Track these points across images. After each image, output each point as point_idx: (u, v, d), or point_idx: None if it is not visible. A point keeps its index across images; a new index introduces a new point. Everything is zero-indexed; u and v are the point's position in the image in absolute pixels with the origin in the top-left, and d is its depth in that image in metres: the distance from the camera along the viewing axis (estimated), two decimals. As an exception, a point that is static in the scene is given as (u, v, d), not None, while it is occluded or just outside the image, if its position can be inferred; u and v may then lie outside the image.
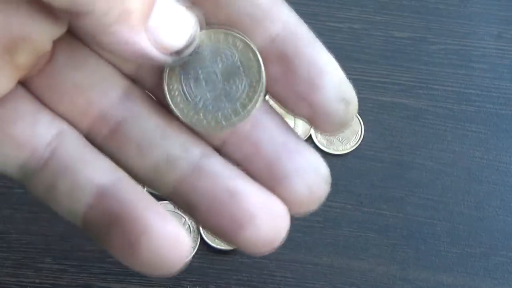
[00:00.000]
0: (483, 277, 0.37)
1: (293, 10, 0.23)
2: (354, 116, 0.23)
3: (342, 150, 0.39)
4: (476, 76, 0.41)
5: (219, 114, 0.23)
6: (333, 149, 0.39)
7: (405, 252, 0.37)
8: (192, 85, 0.23)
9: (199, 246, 0.37)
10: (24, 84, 0.23)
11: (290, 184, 0.22)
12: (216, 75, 0.23)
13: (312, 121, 0.23)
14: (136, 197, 0.22)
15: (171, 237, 0.21)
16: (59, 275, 0.37)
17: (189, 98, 0.23)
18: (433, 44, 0.42)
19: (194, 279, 0.36)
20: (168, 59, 0.22)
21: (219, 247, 0.36)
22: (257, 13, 0.22)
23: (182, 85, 0.23)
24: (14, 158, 0.22)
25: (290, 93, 0.22)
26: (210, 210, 0.22)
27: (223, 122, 0.23)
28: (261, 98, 0.23)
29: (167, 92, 0.23)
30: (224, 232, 0.22)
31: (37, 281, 0.36)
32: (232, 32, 0.23)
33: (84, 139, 0.23)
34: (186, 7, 0.22)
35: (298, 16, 0.23)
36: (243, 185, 0.22)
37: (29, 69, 0.22)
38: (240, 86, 0.23)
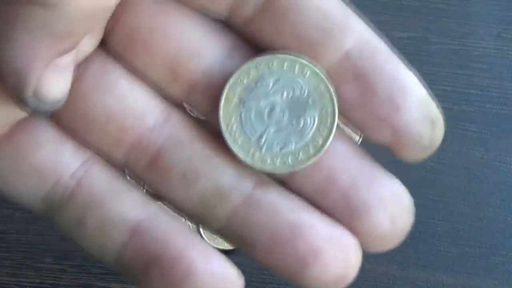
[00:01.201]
0: (483, 277, 0.37)
1: (363, 21, 0.21)
2: (441, 139, 0.20)
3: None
4: (476, 76, 0.41)
5: (285, 152, 0.20)
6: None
7: (405, 252, 0.37)
8: (252, 119, 0.20)
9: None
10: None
11: (370, 216, 0.20)
12: (281, 108, 0.20)
13: (393, 147, 0.20)
14: (175, 234, 0.20)
15: (219, 277, 0.19)
16: (59, 275, 0.37)
17: (249, 134, 0.20)
18: (433, 44, 0.42)
19: (194, 279, 0.36)
20: (31, 104, 0.18)
21: (219, 247, 0.36)
22: (327, 25, 0.20)
23: (241, 118, 0.20)
24: (37, 189, 0.21)
25: (369, 116, 0.20)
26: (269, 246, 0.20)
27: (290, 162, 0.20)
28: (333, 133, 0.20)
29: (222, 125, 0.20)
30: (287, 271, 0.19)
31: (37, 281, 0.36)
32: (298, 58, 0.20)
33: (113, 169, 0.21)
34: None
35: (369, 27, 0.21)
36: (305, 217, 0.20)
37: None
38: (309, 120, 0.20)
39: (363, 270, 0.37)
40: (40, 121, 0.21)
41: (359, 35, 0.20)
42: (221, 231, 0.20)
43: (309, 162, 0.20)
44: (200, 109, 0.21)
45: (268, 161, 0.20)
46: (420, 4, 0.43)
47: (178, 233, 0.20)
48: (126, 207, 0.20)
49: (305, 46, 0.20)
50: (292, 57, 0.20)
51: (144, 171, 0.21)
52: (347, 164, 0.20)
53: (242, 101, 0.20)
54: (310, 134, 0.20)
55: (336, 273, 0.19)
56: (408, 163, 0.21)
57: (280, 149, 0.20)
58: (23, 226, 0.37)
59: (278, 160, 0.20)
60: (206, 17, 0.20)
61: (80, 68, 0.20)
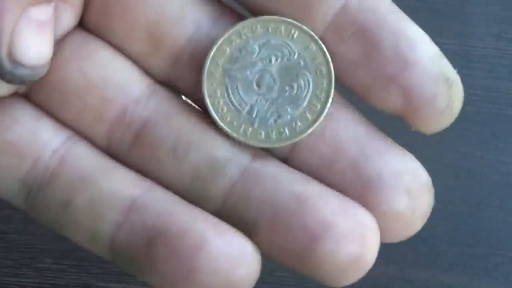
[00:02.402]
0: (483, 277, 0.37)
1: None
2: (461, 104, 0.18)
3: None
4: (476, 76, 0.41)
5: (281, 123, 0.18)
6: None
7: (405, 252, 0.37)
8: (240, 91, 0.18)
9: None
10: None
11: (385, 190, 0.17)
12: (271, 76, 0.18)
13: (405, 112, 0.18)
14: (179, 206, 0.17)
15: (235, 250, 0.17)
16: (59, 275, 0.37)
17: (239, 107, 0.18)
18: (433, 44, 0.42)
19: (194, 279, 0.36)
20: (6, 67, 0.16)
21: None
22: None
23: (228, 92, 0.18)
24: (13, 170, 0.18)
25: (374, 77, 0.17)
26: (273, 224, 0.17)
27: (287, 133, 0.18)
28: (331, 95, 0.18)
29: (208, 101, 0.18)
30: (294, 252, 0.17)
31: (37, 281, 0.36)
32: (283, 19, 0.18)
33: (96, 147, 0.19)
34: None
35: None
36: (312, 188, 0.17)
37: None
38: (303, 85, 0.18)
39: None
40: (16, 99, 0.19)
41: None
42: (219, 212, 0.18)
43: (309, 131, 0.18)
44: (186, 85, 0.19)
45: (263, 135, 0.18)
46: (420, 4, 0.43)
47: (182, 206, 0.17)
48: (119, 183, 0.18)
49: (298, 1, 0.18)
50: (276, 18, 0.18)
51: (129, 149, 0.18)
52: (354, 133, 0.18)
53: (226, 73, 0.18)
54: (306, 100, 0.18)
55: (351, 252, 0.17)
56: (426, 134, 0.18)
57: (275, 121, 0.18)
58: (23, 226, 0.37)
59: (274, 133, 0.18)
60: None
61: (59, 44, 0.18)
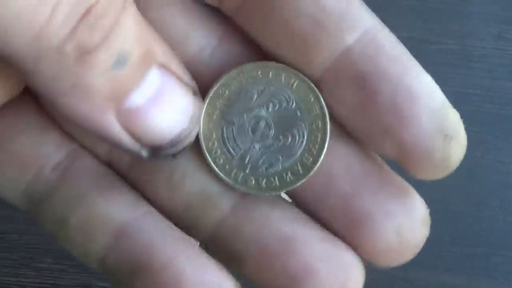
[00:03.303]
0: (483, 277, 0.37)
1: (374, 15, 0.18)
2: (460, 157, 0.18)
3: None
4: (476, 76, 0.41)
5: (272, 172, 0.18)
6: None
7: (405, 252, 0.37)
8: (235, 135, 0.18)
9: (199, 246, 0.37)
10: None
11: (372, 228, 0.17)
12: (267, 123, 0.18)
13: (401, 162, 0.18)
14: (165, 238, 0.17)
15: (212, 285, 0.17)
16: (59, 275, 0.37)
17: (232, 152, 0.18)
18: (433, 44, 0.42)
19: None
20: (144, 154, 0.16)
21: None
22: (323, 16, 0.17)
23: (223, 135, 0.18)
24: (16, 181, 0.18)
25: (370, 127, 0.17)
26: (259, 261, 0.17)
27: (277, 183, 0.18)
28: (325, 151, 0.18)
29: (203, 143, 0.18)
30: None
31: (37, 281, 0.36)
32: (284, 66, 0.18)
33: (100, 163, 0.19)
34: (187, 82, 0.16)
35: (381, 23, 0.18)
36: (299, 229, 0.17)
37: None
38: (297, 136, 0.18)
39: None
40: (25, 103, 0.19)
41: (363, 31, 0.17)
42: (208, 242, 0.18)
43: (298, 184, 0.18)
44: None
45: (253, 182, 0.18)
46: (420, 4, 0.43)
47: (168, 238, 0.18)
48: (113, 206, 0.18)
49: (297, 41, 0.17)
50: (278, 64, 0.18)
51: (128, 169, 0.19)
52: (348, 169, 0.18)
53: (223, 116, 0.18)
54: (299, 152, 0.18)
55: None
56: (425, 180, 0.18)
57: (266, 169, 0.18)
58: (23, 226, 0.37)
59: (263, 182, 0.18)
60: (195, 2, 0.18)
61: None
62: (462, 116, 0.45)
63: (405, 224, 0.18)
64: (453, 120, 0.17)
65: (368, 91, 0.17)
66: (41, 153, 0.18)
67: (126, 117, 0.15)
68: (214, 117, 0.18)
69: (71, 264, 0.37)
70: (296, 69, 0.18)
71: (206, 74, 0.18)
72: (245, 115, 0.18)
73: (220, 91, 0.18)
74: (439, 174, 0.18)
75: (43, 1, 0.14)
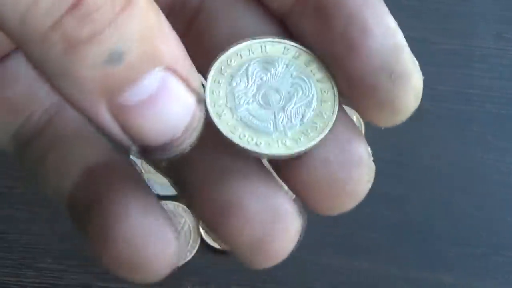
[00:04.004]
0: (483, 277, 0.37)
1: None
2: (410, 102, 0.17)
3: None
4: (476, 76, 0.41)
5: (306, 122, 0.18)
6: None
7: (405, 252, 0.37)
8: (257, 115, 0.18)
9: (199, 246, 0.37)
10: None
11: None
12: (272, 89, 0.18)
13: (351, 99, 0.18)
14: (126, 182, 0.18)
15: (151, 232, 0.17)
16: (59, 275, 0.37)
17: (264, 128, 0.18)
18: (433, 44, 0.42)
19: (194, 279, 0.36)
20: (134, 150, 0.16)
21: (219, 247, 0.36)
22: None
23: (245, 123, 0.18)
24: (7, 125, 0.19)
25: (324, 54, 0.18)
26: (197, 192, 0.18)
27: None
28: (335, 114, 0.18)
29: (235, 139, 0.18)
30: (210, 222, 0.18)
31: (37, 281, 0.36)
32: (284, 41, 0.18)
33: None
34: (194, 88, 0.16)
35: None
36: (242, 167, 0.18)
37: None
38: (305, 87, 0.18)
39: (363, 270, 0.37)
40: (19, 59, 0.19)
41: None
42: (167, 170, 0.19)
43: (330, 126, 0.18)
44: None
45: (302, 139, 0.18)
46: (420, 4, 0.43)
47: (131, 183, 0.18)
48: (89, 149, 0.18)
49: None
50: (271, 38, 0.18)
51: None
52: None
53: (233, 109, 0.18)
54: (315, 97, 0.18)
55: (256, 234, 0.17)
56: (379, 127, 0.18)
57: (301, 122, 0.18)
58: (23, 226, 0.37)
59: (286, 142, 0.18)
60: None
61: None
62: (462, 116, 0.45)
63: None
64: (405, 61, 0.17)
65: (325, 20, 0.17)
66: (33, 99, 0.19)
67: (118, 112, 0.15)
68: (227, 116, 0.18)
69: (71, 264, 0.37)
70: (267, 1, 0.18)
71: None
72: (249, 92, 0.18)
73: (222, 67, 0.18)
74: (387, 117, 0.17)
75: None
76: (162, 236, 0.17)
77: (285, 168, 0.18)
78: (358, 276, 0.37)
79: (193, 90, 0.16)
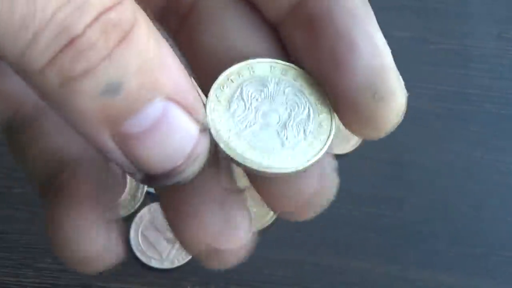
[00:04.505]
0: (483, 277, 0.37)
1: None
2: (392, 122, 0.18)
3: (342, 150, 0.39)
4: (476, 76, 0.41)
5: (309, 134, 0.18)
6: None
7: (405, 252, 0.37)
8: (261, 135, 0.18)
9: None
10: None
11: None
12: (271, 110, 0.18)
13: (336, 111, 0.18)
14: (86, 180, 0.19)
15: (91, 228, 0.18)
16: (59, 275, 0.37)
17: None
18: (433, 44, 0.42)
19: (194, 279, 0.36)
20: (138, 177, 0.17)
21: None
22: None
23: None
24: (1, 113, 0.20)
25: (313, 68, 0.18)
26: (167, 195, 0.19)
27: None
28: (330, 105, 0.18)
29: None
30: (170, 222, 0.19)
31: (37, 281, 0.36)
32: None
33: None
34: (197, 118, 0.16)
35: None
36: (212, 172, 0.18)
37: None
38: (301, 104, 0.18)
39: (363, 270, 0.37)
40: None
41: None
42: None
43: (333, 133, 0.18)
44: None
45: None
46: (420, 4, 0.43)
47: (87, 181, 0.18)
48: (70, 143, 0.19)
49: None
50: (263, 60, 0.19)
51: None
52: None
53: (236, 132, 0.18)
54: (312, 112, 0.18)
55: (213, 237, 0.18)
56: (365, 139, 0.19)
57: (305, 137, 0.18)
58: (23, 226, 0.37)
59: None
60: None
61: None
62: (462, 116, 0.45)
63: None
64: (390, 83, 0.17)
65: (315, 34, 0.18)
66: (24, 92, 0.19)
67: (121, 141, 0.16)
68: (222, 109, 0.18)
69: (71, 264, 0.37)
70: (262, 9, 0.19)
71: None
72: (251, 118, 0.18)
73: (222, 87, 0.18)
74: (367, 132, 0.18)
75: (24, 27, 0.15)
76: (97, 238, 0.18)
77: (258, 182, 0.19)
78: (358, 276, 0.37)
79: (196, 120, 0.16)
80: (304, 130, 0.18)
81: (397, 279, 0.37)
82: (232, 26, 0.19)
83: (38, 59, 0.15)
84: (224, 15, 0.19)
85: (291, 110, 0.18)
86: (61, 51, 0.15)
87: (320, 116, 0.18)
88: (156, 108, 0.15)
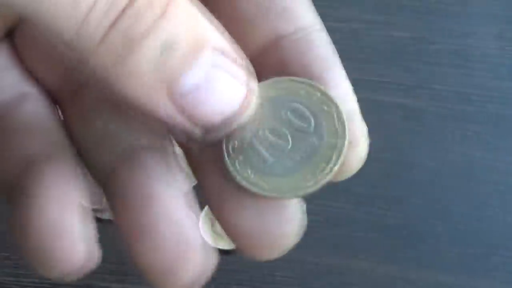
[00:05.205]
0: (483, 277, 0.37)
1: (318, 16, 0.19)
2: (357, 165, 0.19)
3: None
4: (476, 76, 0.41)
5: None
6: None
7: (405, 252, 0.37)
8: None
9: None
10: (11, 35, 0.20)
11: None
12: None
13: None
14: (53, 177, 0.18)
15: (61, 227, 0.17)
16: (59, 275, 0.37)
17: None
18: (433, 44, 0.42)
19: (194, 279, 0.36)
20: (197, 134, 0.17)
21: (219, 247, 0.37)
22: (268, 6, 0.18)
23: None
24: None
25: None
26: (118, 214, 0.18)
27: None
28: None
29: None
30: (125, 241, 0.18)
31: (37, 281, 0.36)
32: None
33: (51, 106, 0.20)
34: (241, 63, 0.17)
35: (322, 24, 0.19)
36: (164, 190, 0.18)
37: (17, 19, 0.20)
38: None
39: (363, 270, 0.37)
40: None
41: (299, 27, 0.18)
42: (103, 186, 0.19)
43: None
44: None
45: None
46: (420, 4, 0.43)
47: (57, 177, 0.18)
48: (33, 143, 0.19)
49: (239, 20, 0.19)
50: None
51: (66, 104, 0.20)
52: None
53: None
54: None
55: (169, 257, 0.18)
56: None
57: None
58: (23, 226, 0.37)
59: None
60: None
61: None
62: (462, 116, 0.45)
63: None
64: (354, 130, 0.18)
65: (288, 75, 0.18)
66: None
67: (179, 99, 0.16)
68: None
69: (71, 264, 0.37)
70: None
71: None
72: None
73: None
74: (336, 176, 0.19)
75: (75, 5, 0.15)
76: (72, 234, 0.18)
77: (221, 210, 0.18)
78: (358, 276, 0.37)
79: (241, 65, 0.17)
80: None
81: (397, 279, 0.37)
82: None
83: (92, 36, 0.15)
84: None
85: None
86: (122, 12, 0.15)
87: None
88: (207, 59, 0.16)
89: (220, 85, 0.16)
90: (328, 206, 0.38)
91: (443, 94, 0.41)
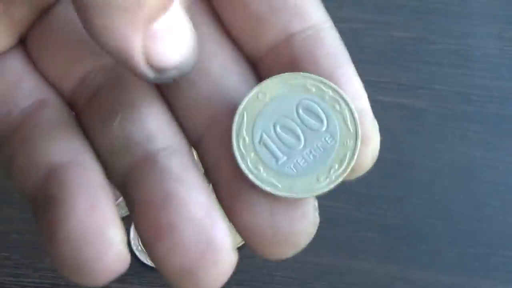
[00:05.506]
0: (483, 277, 0.37)
1: (327, 15, 0.19)
2: (370, 162, 0.19)
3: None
4: (476, 76, 0.41)
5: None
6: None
7: (405, 252, 0.37)
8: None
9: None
10: (24, 41, 0.20)
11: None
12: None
13: None
14: (80, 183, 0.18)
15: (93, 231, 0.17)
16: (59, 275, 0.37)
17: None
18: (433, 44, 0.42)
19: (194, 279, 0.36)
20: (150, 75, 0.17)
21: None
22: (279, 5, 0.19)
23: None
24: None
25: None
26: (142, 212, 0.18)
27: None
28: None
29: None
30: (145, 243, 0.18)
31: (37, 281, 0.36)
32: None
33: (68, 111, 0.20)
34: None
35: (331, 22, 0.19)
36: (184, 190, 0.18)
37: (29, 25, 0.20)
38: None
39: (363, 270, 0.37)
40: (13, 53, 0.20)
41: (310, 25, 0.19)
42: (120, 188, 0.19)
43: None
44: None
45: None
46: (420, 4, 0.43)
47: (84, 184, 0.18)
48: (54, 151, 0.19)
49: (251, 20, 0.19)
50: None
51: (82, 110, 0.20)
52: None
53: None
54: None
55: (188, 258, 0.17)
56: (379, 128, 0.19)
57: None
58: (23, 226, 0.37)
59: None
60: None
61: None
62: (462, 116, 0.45)
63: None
64: (366, 127, 0.18)
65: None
66: (12, 98, 0.19)
67: (149, 40, 0.17)
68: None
69: (71, 264, 0.37)
70: (242, 44, 0.19)
71: None
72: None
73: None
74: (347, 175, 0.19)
75: None
76: (107, 236, 0.17)
77: (232, 208, 0.18)
78: (358, 276, 0.37)
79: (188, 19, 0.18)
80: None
81: (397, 279, 0.37)
82: (209, 58, 0.19)
83: None
84: (205, 47, 0.20)
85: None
86: None
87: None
88: (175, 7, 0.17)
89: (180, 32, 0.17)
90: (329, 206, 0.38)
91: (443, 94, 0.41)
